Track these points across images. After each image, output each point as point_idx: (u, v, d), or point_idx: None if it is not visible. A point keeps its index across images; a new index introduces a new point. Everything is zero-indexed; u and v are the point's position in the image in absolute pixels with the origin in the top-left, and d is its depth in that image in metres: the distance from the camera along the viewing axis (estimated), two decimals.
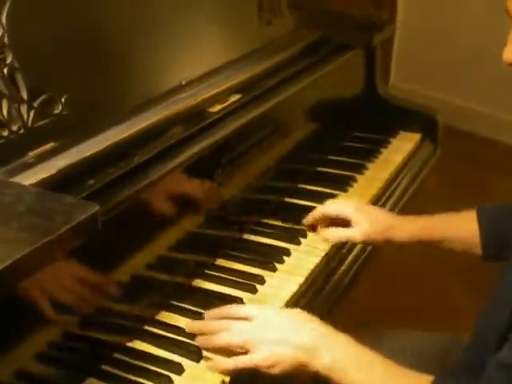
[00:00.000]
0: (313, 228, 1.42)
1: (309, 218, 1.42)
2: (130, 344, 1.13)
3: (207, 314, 1.14)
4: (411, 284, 2.41)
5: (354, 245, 1.44)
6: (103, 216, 0.98)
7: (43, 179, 1.01)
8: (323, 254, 1.36)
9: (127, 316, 1.16)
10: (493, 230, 1.31)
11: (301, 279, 1.28)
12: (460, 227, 1.34)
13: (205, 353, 1.09)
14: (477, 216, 1.32)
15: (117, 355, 1.11)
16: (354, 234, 1.35)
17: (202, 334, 1.10)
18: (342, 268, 1.39)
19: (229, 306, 1.13)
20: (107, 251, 1.09)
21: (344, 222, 1.37)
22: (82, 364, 1.08)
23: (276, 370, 1.01)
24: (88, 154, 1.08)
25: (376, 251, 1.51)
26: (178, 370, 1.07)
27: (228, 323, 1.08)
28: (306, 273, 1.30)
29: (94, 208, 0.91)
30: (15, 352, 0.97)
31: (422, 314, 2.23)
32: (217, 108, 1.33)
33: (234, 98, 1.38)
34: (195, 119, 1.27)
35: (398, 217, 1.41)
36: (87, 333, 1.09)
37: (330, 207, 1.41)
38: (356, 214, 1.36)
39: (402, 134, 1.87)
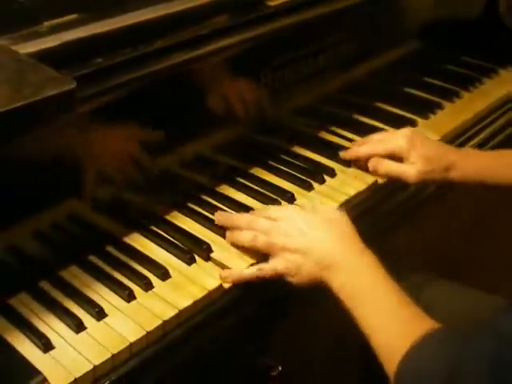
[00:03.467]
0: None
1: (347, 156, 1.24)
2: (126, 239, 1.07)
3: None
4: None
5: None
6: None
7: (43, 50, 0.94)
8: (372, 181, 1.21)
9: (136, 209, 1.10)
10: None
11: (334, 206, 1.15)
12: None
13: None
14: None
15: (109, 248, 1.05)
16: (408, 171, 1.16)
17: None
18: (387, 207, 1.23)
19: (257, 210, 1.10)
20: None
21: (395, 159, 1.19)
22: (73, 248, 1.03)
23: (294, 280, 0.98)
24: (103, 30, 1.00)
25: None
26: (164, 274, 1.00)
27: (252, 219, 1.03)
28: (342, 199, 1.17)
29: (70, 85, 0.83)
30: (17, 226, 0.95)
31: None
32: (278, 2, 1.19)
33: None
34: (245, 10, 1.14)
35: (459, 152, 1.20)
36: (92, 217, 1.04)
37: (377, 142, 1.22)
38: (411, 150, 1.16)
39: None
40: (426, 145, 1.17)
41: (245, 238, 1.02)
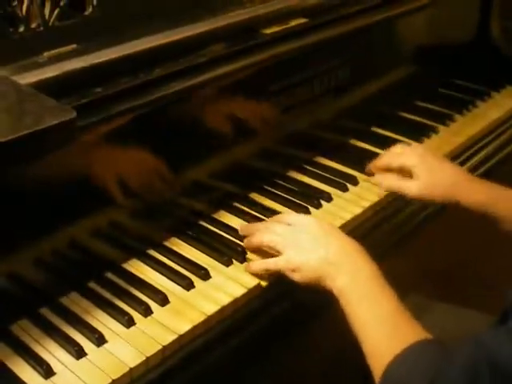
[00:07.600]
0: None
1: (371, 167, 1.30)
2: (125, 266, 1.08)
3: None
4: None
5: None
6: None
7: (43, 80, 0.96)
8: (367, 205, 1.23)
9: (134, 236, 1.11)
10: None
11: None
12: None
13: (248, 255, 1.10)
14: None
15: (108, 275, 1.06)
16: (408, 186, 1.20)
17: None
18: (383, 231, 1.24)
19: (276, 216, 1.14)
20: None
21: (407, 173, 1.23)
22: (73, 275, 1.04)
23: (297, 276, 1.01)
24: (102, 59, 1.01)
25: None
26: (163, 300, 1.01)
27: (267, 224, 1.10)
28: (339, 223, 1.18)
29: (70, 115, 0.85)
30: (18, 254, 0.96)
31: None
32: (272, 30, 1.22)
33: (298, 21, 1.26)
34: (240, 38, 1.16)
35: (468, 178, 1.21)
36: (91, 244, 1.06)
37: (393, 156, 1.26)
38: (419, 165, 1.20)
39: (510, 90, 1.66)
40: (436, 164, 1.21)
41: (256, 238, 1.08)
